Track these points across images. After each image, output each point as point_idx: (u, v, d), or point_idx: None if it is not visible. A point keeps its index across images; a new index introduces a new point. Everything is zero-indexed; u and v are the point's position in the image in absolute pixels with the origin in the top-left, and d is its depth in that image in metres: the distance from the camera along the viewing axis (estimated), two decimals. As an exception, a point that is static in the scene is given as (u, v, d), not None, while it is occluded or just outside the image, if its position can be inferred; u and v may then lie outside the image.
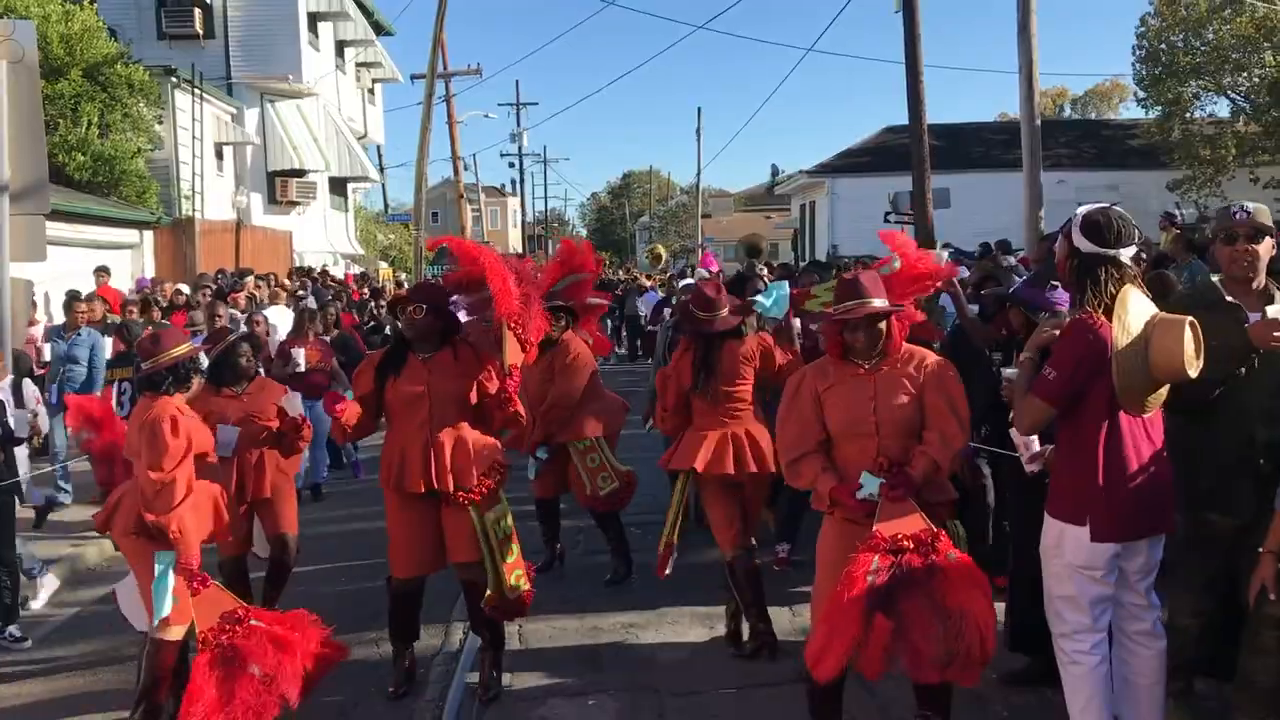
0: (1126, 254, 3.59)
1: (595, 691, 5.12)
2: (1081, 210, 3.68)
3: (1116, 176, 26.72)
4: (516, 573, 4.94)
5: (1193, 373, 3.46)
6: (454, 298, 5.11)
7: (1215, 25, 24.43)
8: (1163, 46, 25.43)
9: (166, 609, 4.35)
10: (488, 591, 4.89)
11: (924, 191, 15.61)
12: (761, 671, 5.21)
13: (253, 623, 4.44)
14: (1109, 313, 3.52)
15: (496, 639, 5.12)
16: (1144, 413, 3.58)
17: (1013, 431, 4.01)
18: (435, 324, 4.92)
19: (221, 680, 4.24)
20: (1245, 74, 24.71)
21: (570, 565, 7.06)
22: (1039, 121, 16.41)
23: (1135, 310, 3.53)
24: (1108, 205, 3.74)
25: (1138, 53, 26.17)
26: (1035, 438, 3.99)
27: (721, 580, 5.57)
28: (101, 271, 13.88)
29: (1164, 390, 3.59)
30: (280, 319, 10.92)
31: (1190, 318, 3.50)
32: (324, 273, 20.38)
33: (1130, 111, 37.45)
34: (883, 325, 4.03)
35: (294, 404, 5.61)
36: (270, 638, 4.40)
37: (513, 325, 4.86)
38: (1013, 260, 13.30)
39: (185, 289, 13.52)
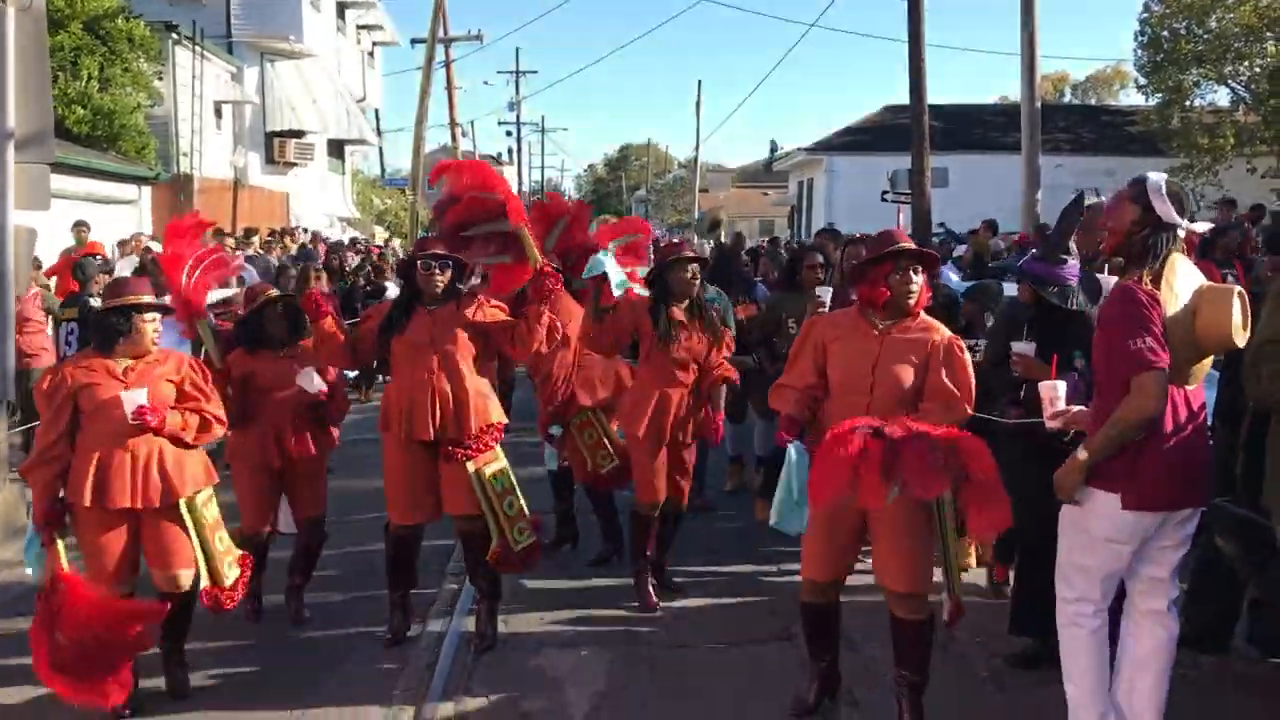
0: (1185, 226, 3.60)
1: (588, 643, 5.24)
2: (1154, 178, 3.61)
3: (1115, 162, 26.73)
4: (520, 525, 5.01)
5: (1239, 342, 3.48)
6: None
7: (1218, 13, 24.42)
8: (1165, 33, 25.42)
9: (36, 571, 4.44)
10: (492, 544, 4.96)
11: (922, 170, 15.63)
12: (751, 627, 5.34)
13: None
14: (1156, 282, 3.49)
15: (493, 589, 5.19)
16: (1187, 383, 3.54)
17: (1041, 385, 3.93)
18: (450, 275, 5.01)
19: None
20: (1246, 63, 24.71)
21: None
22: (1039, 104, 16.46)
23: (1184, 278, 3.53)
24: (1167, 176, 3.71)
25: (1140, 39, 26.16)
26: (1063, 394, 3.90)
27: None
28: (80, 226, 12.92)
29: (1208, 361, 3.61)
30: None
31: (1238, 288, 3.52)
32: (315, 236, 20.29)
33: (1131, 98, 37.48)
34: (923, 276, 4.10)
35: (311, 379, 5.26)
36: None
37: (524, 224, 5.01)
38: (1000, 243, 13.43)
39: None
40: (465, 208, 5.07)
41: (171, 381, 4.50)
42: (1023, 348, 4.63)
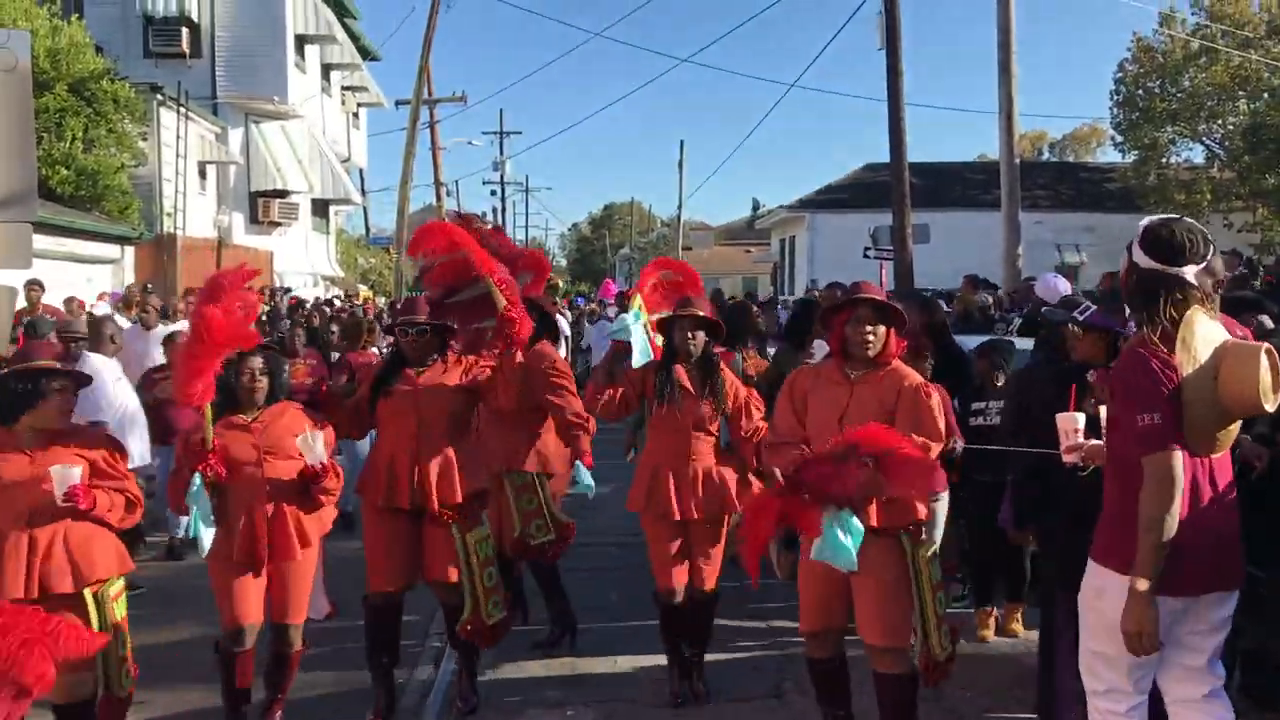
0: (1191, 272, 3.15)
1: (574, 702, 5.15)
2: (1144, 222, 3.29)
3: (1093, 219, 27.09)
4: (495, 599, 4.87)
5: (1269, 406, 3.08)
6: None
7: (1192, 73, 24.93)
8: (1140, 92, 25.94)
9: None
10: (464, 614, 4.82)
11: (904, 227, 15.78)
12: (739, 686, 5.26)
13: None
14: (1170, 340, 3.11)
15: (473, 652, 5.06)
16: (1212, 451, 3.18)
17: (1060, 417, 3.71)
18: (434, 341, 4.91)
19: None
20: (1220, 121, 25.20)
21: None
22: (1019, 160, 16.69)
23: (1203, 335, 3.13)
24: (1176, 216, 3.37)
25: (1115, 98, 26.67)
26: (1080, 426, 3.69)
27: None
28: (33, 286, 11.41)
29: (1235, 427, 3.22)
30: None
31: (1267, 344, 3.15)
32: (276, 293, 20.06)
33: (1108, 155, 37.99)
34: (883, 329, 4.09)
35: (315, 445, 4.38)
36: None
37: (498, 283, 4.80)
38: (987, 298, 13.51)
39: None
40: (442, 273, 5.03)
41: (83, 458, 3.97)
42: (1073, 420, 3.79)
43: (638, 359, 5.21)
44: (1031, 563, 5.78)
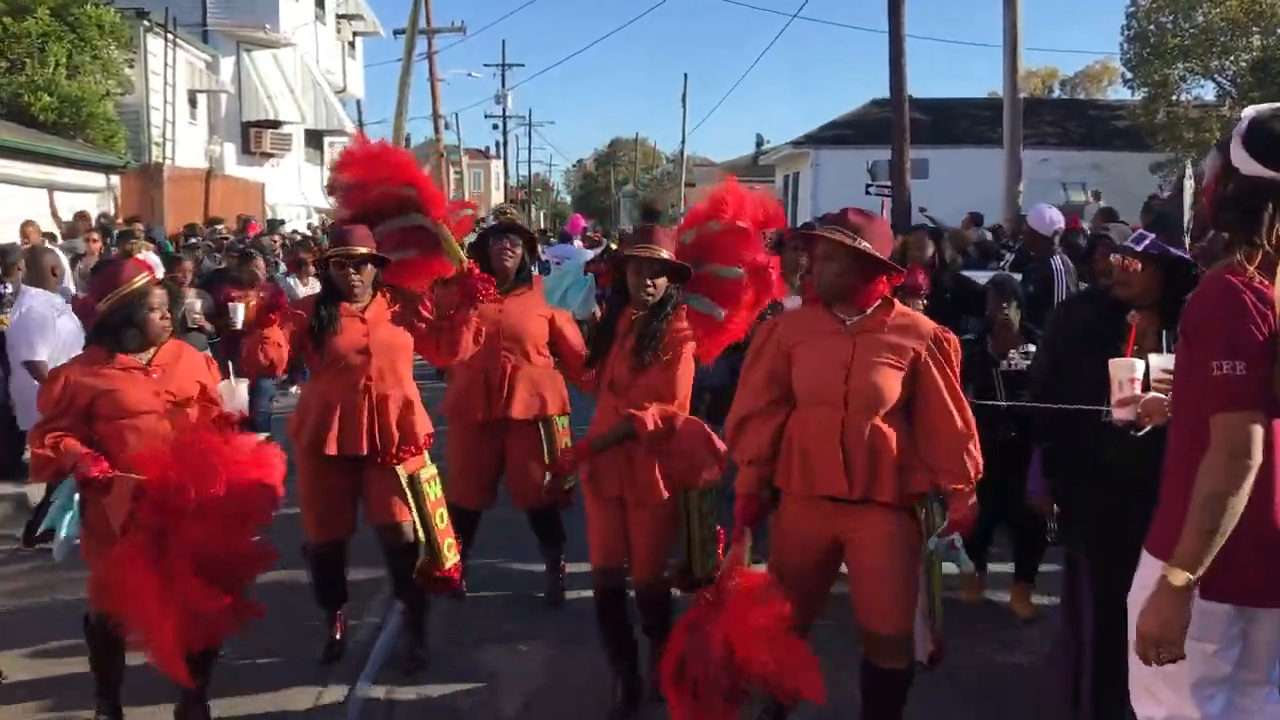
0: None
1: (527, 638, 5.01)
2: (1250, 112, 2.56)
3: (1101, 157, 26.60)
4: (448, 541, 4.66)
5: None
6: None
7: (1205, 7, 24.32)
8: (1151, 27, 25.33)
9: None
10: (421, 558, 4.60)
11: (903, 161, 15.47)
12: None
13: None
14: (1272, 269, 2.44)
15: (421, 605, 4.78)
16: None
17: (1114, 363, 3.15)
18: (373, 275, 4.54)
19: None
20: (1232, 58, 24.62)
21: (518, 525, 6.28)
22: (1022, 95, 16.31)
23: None
24: None
25: (1126, 33, 26.06)
26: (1139, 375, 3.11)
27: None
28: (31, 225, 10.67)
29: None
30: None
31: None
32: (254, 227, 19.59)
33: (1120, 93, 37.34)
34: (849, 271, 3.33)
35: (237, 394, 4.07)
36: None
37: (441, 221, 4.47)
38: (986, 233, 13.22)
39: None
40: (375, 200, 4.55)
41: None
42: (1131, 365, 3.18)
43: (579, 310, 4.70)
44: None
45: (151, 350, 3.93)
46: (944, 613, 3.65)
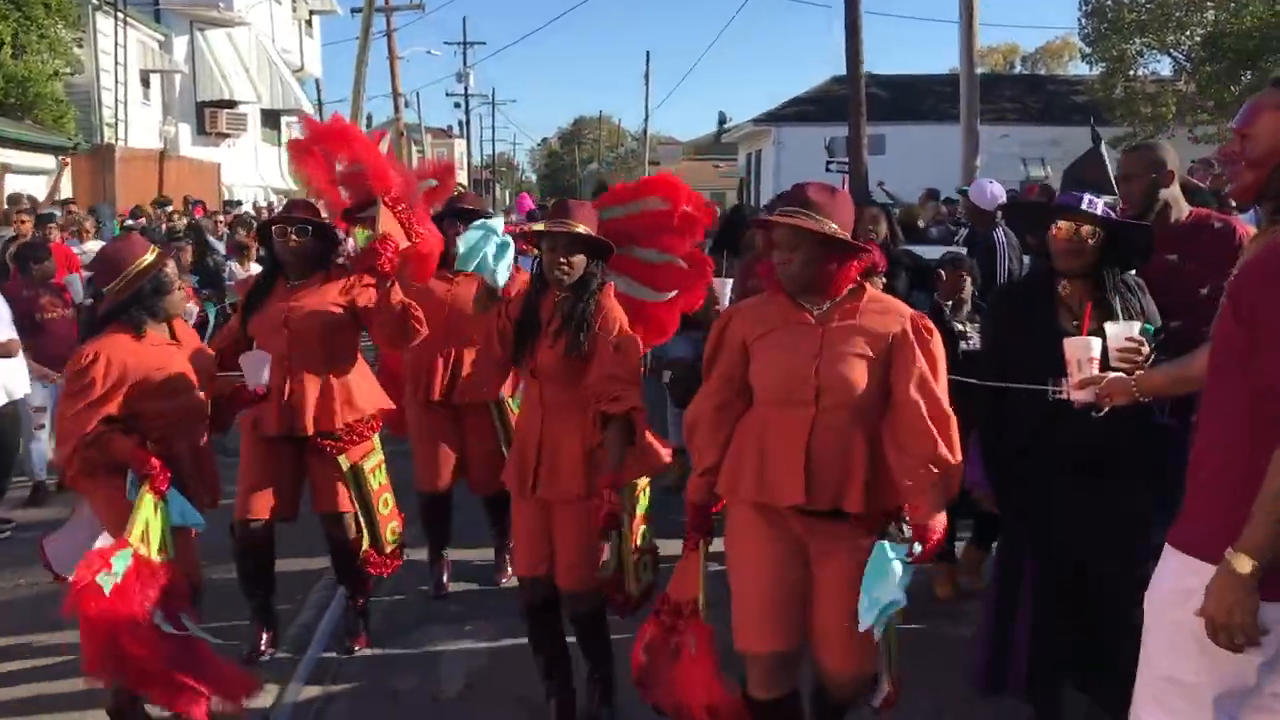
0: None
1: (473, 618, 4.98)
2: None
3: (1059, 132, 26.65)
4: (392, 525, 4.62)
5: None
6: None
7: (1161, -19, 24.45)
8: (1109, 2, 25.42)
9: None
10: (364, 546, 4.54)
11: (859, 137, 15.46)
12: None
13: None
14: None
15: (363, 591, 4.72)
16: None
17: (1068, 342, 3.03)
18: (315, 247, 4.43)
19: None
20: (1188, 32, 24.76)
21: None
22: (981, 71, 16.33)
23: None
24: None
25: (1084, 8, 26.15)
26: (1097, 354, 2.99)
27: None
28: (21, 216, 9.96)
29: None
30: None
31: None
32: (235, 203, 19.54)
33: (1079, 69, 37.56)
34: (821, 255, 2.98)
35: (260, 366, 4.00)
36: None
37: (390, 203, 4.32)
38: (943, 208, 13.24)
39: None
40: (344, 180, 4.51)
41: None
42: (1083, 347, 3.03)
43: (501, 275, 4.03)
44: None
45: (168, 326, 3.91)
46: (898, 650, 3.24)
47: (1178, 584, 2.34)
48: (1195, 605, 2.24)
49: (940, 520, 2.94)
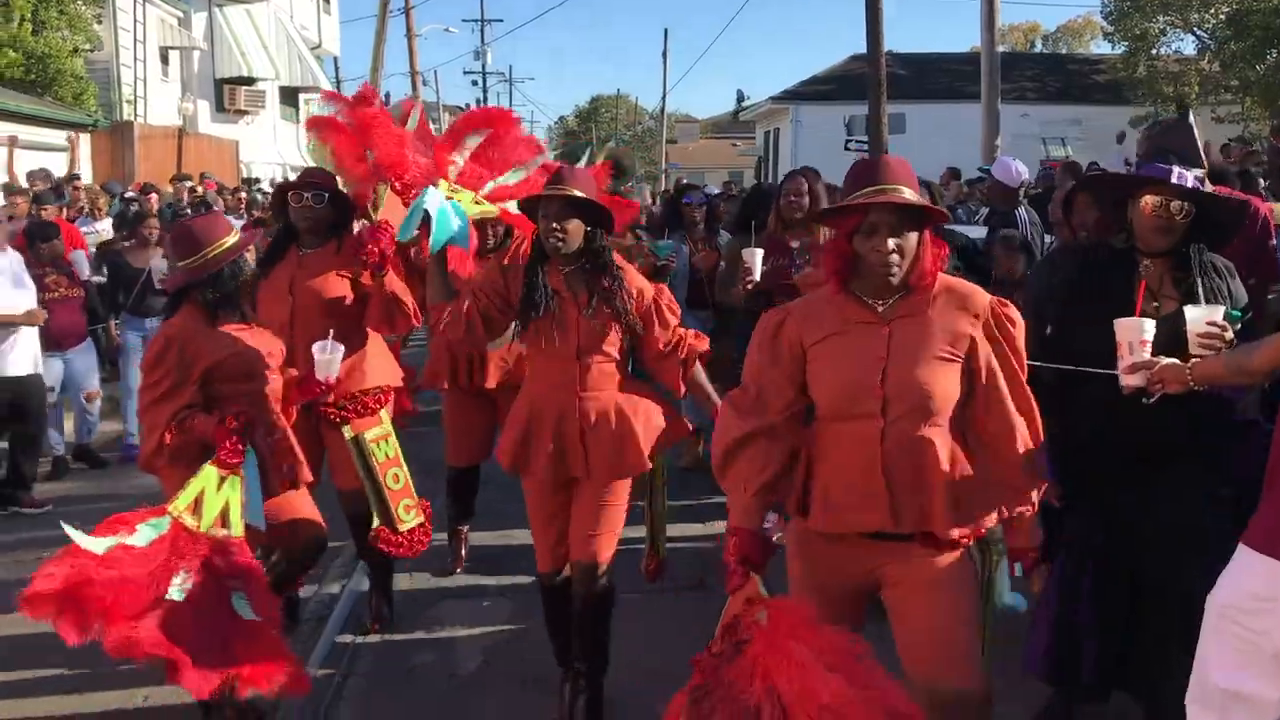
0: None
1: (492, 593, 5.02)
2: None
3: (1080, 111, 26.58)
4: (405, 502, 4.50)
5: None
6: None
7: (1185, -42, 24.20)
8: (1132, -21, 25.19)
9: None
10: (375, 523, 4.48)
11: (879, 116, 15.34)
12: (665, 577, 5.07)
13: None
14: None
15: (384, 565, 4.71)
16: None
17: (1120, 324, 2.82)
18: (329, 215, 4.40)
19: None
20: (1211, 10, 24.50)
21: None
22: (1001, 49, 16.20)
23: None
24: None
25: (1107, -15, 25.92)
26: (1149, 336, 2.78)
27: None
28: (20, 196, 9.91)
29: None
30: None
31: None
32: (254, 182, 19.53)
33: (1100, 48, 37.20)
34: (914, 238, 2.60)
35: (333, 357, 3.97)
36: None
37: (400, 190, 4.21)
38: (964, 188, 13.16)
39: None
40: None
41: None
42: (1134, 329, 2.83)
43: (433, 243, 3.70)
44: None
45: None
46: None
47: (1252, 588, 2.18)
48: (1272, 616, 2.05)
49: (1038, 535, 2.72)
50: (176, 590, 3.32)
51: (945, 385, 2.60)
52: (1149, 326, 2.80)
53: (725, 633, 2.61)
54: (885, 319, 2.64)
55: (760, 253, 5.32)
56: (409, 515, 4.53)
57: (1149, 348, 2.77)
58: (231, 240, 3.73)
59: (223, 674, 3.26)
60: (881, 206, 2.55)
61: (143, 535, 3.38)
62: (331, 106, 4.62)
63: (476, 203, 3.87)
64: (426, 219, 3.64)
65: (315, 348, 3.97)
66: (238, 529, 3.50)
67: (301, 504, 3.97)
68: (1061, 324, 3.29)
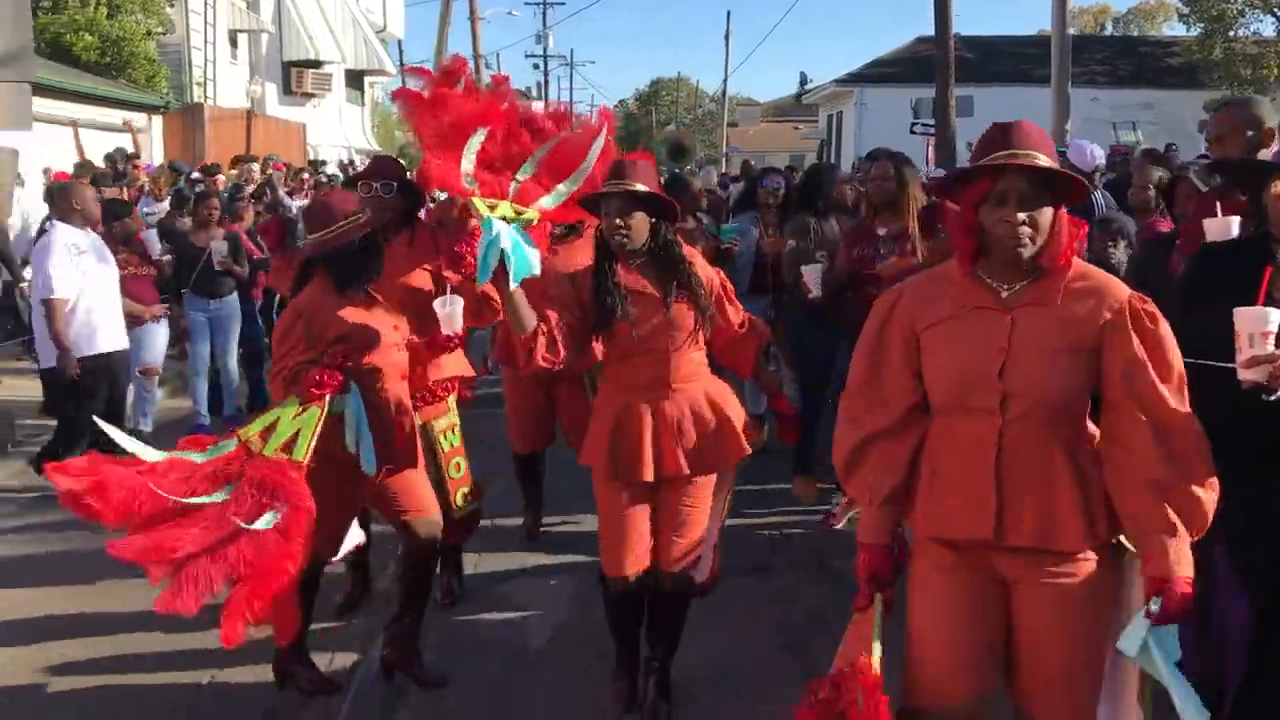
0: None
1: (559, 573, 5.08)
2: None
3: (1152, 95, 26.02)
4: (464, 490, 4.56)
5: None
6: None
7: (1266, -63, 23.56)
8: (1209, -41, 24.60)
9: None
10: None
11: (947, 99, 15.18)
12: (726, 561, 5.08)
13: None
14: None
15: (455, 544, 4.74)
16: None
17: (1239, 314, 2.58)
18: (399, 205, 4.35)
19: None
20: (1294, -10, 23.88)
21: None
22: (1070, 30, 15.88)
23: None
24: None
25: (1182, -35, 25.34)
26: (1273, 327, 2.53)
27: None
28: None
29: None
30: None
31: None
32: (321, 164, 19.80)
33: (1174, 30, 36.35)
34: (1049, 213, 2.35)
35: (456, 311, 3.92)
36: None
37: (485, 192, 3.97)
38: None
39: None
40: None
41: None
42: (1258, 319, 2.59)
43: (513, 280, 3.28)
44: None
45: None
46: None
47: None
48: None
49: (1186, 567, 2.31)
50: (265, 521, 3.28)
51: (1069, 381, 2.37)
52: (1274, 317, 2.54)
53: (830, 691, 2.44)
54: (1009, 305, 2.41)
55: (819, 268, 5.33)
56: (466, 503, 4.60)
57: (1271, 340, 2.54)
58: (364, 216, 3.79)
59: (209, 586, 3.18)
60: (1013, 171, 2.31)
61: (207, 454, 3.45)
62: (418, 81, 4.40)
63: (518, 213, 3.61)
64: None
65: (436, 304, 3.90)
66: (300, 453, 3.49)
67: (423, 489, 4.02)
68: (1187, 315, 2.95)
